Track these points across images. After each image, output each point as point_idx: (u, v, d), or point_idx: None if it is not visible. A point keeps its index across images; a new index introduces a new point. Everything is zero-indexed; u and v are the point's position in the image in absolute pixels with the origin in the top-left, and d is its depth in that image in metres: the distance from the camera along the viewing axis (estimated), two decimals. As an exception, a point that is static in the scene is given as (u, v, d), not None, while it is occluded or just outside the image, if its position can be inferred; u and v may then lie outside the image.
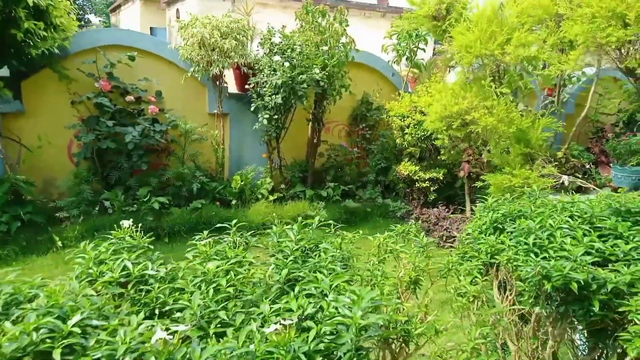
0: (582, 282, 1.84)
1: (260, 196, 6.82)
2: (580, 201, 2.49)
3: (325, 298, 1.64)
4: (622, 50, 3.89)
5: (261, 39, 6.52)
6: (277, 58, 6.04)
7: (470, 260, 2.41)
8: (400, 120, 6.86)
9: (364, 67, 8.00)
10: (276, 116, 6.35)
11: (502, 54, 5.19)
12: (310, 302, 1.62)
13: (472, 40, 5.30)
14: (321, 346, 1.39)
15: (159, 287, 1.84)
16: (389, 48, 7.92)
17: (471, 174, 6.46)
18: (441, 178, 6.77)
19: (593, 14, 3.84)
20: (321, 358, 1.37)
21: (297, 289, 1.76)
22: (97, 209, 5.87)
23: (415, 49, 7.79)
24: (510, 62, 5.20)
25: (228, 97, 6.99)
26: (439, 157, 6.81)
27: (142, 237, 2.29)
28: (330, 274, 1.84)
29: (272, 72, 6.14)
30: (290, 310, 1.59)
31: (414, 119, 6.71)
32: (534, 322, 2.33)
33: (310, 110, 7.17)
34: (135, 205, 5.85)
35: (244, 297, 1.84)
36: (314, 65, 6.32)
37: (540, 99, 7.79)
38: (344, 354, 1.41)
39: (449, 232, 6.08)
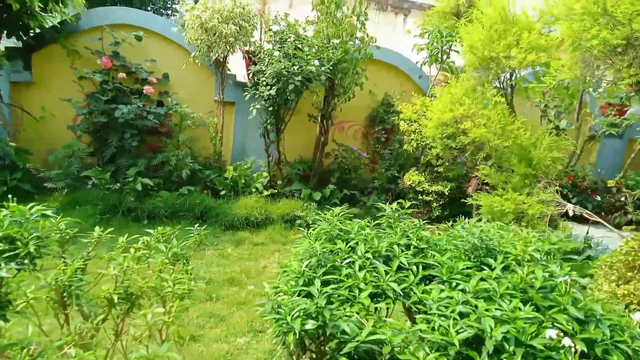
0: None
1: (254, 190, 6.58)
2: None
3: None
4: (615, 58, 3.06)
5: (267, 28, 6.27)
6: (268, 47, 5.74)
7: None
8: (408, 125, 6.27)
9: (386, 66, 7.46)
10: (271, 108, 6.06)
11: (507, 57, 4.50)
12: None
13: (476, 41, 4.66)
14: None
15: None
16: (421, 47, 7.31)
17: (480, 191, 5.76)
18: (447, 192, 6.09)
19: (583, 11, 3.08)
20: None
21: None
22: (90, 183, 5.96)
23: (447, 49, 7.11)
24: (516, 67, 4.50)
25: (235, 86, 6.82)
26: (450, 169, 6.14)
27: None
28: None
29: (270, 62, 5.86)
30: None
31: (420, 125, 6.09)
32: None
33: (319, 107, 6.79)
34: (118, 184, 5.85)
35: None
36: (316, 58, 5.94)
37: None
38: None
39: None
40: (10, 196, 2.19)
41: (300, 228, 6.40)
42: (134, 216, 5.77)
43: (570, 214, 4.54)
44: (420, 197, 6.31)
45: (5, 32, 5.63)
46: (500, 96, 4.86)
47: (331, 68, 6.13)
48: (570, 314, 1.53)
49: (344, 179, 7.11)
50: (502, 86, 4.92)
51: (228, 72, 6.69)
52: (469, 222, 5.32)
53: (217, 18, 6.02)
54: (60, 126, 6.29)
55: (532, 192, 4.53)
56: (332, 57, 6.05)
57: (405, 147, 6.42)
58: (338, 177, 7.07)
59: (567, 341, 1.41)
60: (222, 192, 6.39)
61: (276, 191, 6.57)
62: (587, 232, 5.16)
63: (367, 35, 6.39)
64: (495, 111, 4.60)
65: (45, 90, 6.19)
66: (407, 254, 2.01)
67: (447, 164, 5.69)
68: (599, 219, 4.40)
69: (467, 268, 1.86)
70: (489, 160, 5.15)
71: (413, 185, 6.29)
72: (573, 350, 1.40)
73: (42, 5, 5.16)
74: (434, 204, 6.19)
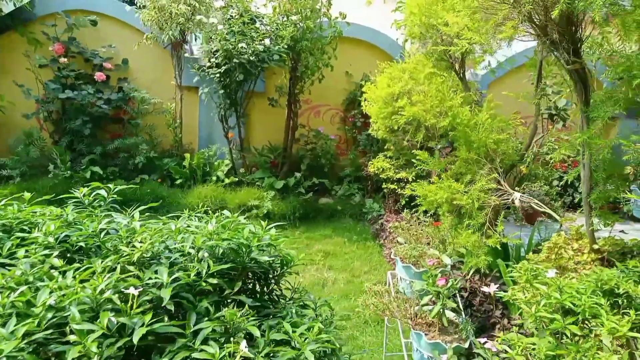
0: None
1: (215, 178, 6.30)
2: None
3: None
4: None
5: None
6: (213, 20, 5.38)
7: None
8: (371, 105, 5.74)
9: (361, 44, 6.91)
10: (222, 91, 5.73)
11: (444, 23, 3.90)
12: None
13: (414, 6, 4.10)
14: None
15: None
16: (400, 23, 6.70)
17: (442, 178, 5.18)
18: (411, 180, 5.53)
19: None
20: None
21: None
22: (50, 172, 5.92)
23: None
24: (453, 34, 3.90)
25: (200, 70, 6.53)
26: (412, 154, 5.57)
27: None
28: None
29: (216, 40, 5.50)
30: None
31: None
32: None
33: (285, 90, 6.39)
34: (69, 172, 5.75)
35: None
36: (267, 36, 5.52)
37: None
38: None
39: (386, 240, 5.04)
40: None
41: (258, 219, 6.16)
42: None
43: (517, 203, 3.91)
44: (385, 185, 5.79)
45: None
46: (448, 70, 4.27)
47: (286, 47, 5.69)
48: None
49: (314, 166, 6.68)
50: (450, 60, 4.32)
51: (191, 55, 6.43)
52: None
53: (167, -3, 5.76)
54: (21, 115, 6.29)
55: (474, 179, 3.94)
56: (286, 34, 5.61)
57: (370, 130, 5.90)
58: (308, 165, 6.65)
59: None
60: (178, 181, 6.16)
61: (237, 179, 6.26)
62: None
63: (327, 9, 5.89)
64: (433, 87, 4.02)
65: (5, 78, 6.19)
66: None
67: (397, 147, 5.14)
68: (549, 210, 3.75)
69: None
70: (438, 143, 4.59)
71: (377, 172, 5.78)
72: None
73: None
74: (398, 191, 5.66)
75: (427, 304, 3.03)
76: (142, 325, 1.00)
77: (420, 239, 3.88)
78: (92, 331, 0.97)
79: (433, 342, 2.62)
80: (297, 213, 5.98)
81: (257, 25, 5.73)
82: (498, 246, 3.55)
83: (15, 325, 0.97)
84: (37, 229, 1.40)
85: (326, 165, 6.66)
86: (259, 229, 1.53)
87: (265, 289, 1.63)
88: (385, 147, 5.24)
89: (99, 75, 5.97)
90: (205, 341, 1.05)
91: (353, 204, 6.40)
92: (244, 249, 1.34)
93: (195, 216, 1.63)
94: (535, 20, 2.36)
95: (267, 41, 5.47)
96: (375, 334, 3.77)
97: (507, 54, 6.25)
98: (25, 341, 0.95)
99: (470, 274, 4.00)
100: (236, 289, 1.24)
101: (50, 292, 1.06)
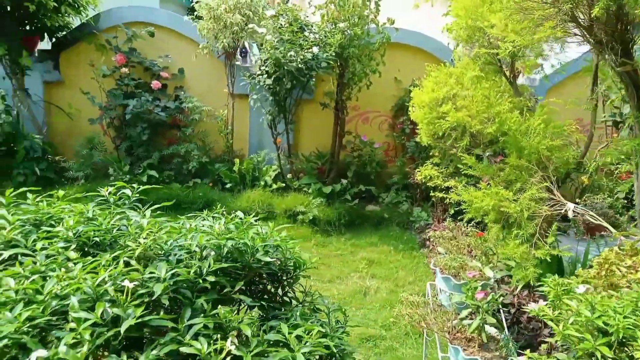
0: None
1: (263, 183, 6.43)
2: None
3: None
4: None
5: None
6: (261, 30, 5.51)
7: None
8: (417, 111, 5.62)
9: (412, 50, 6.79)
10: (271, 98, 5.85)
11: (491, 26, 3.76)
12: None
13: (460, 8, 3.98)
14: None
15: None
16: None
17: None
18: (460, 188, 5.34)
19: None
20: None
21: None
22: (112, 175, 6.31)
23: (484, 28, 6.26)
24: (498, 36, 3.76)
25: (250, 78, 6.71)
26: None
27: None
28: None
29: (266, 49, 5.63)
30: None
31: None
32: None
33: (333, 97, 6.42)
34: (128, 176, 6.09)
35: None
36: (315, 44, 5.58)
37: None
38: None
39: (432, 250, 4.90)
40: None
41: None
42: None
43: (570, 215, 3.68)
44: (432, 193, 5.65)
45: (44, 35, 6.25)
46: (497, 74, 4.09)
47: (334, 54, 5.72)
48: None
49: (361, 173, 6.64)
50: (499, 64, 4.14)
51: (244, 64, 6.64)
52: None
53: (224, 7, 5.98)
54: (88, 121, 6.76)
55: (525, 187, 3.75)
56: (334, 42, 5.64)
57: (419, 138, 5.79)
58: (355, 171, 6.62)
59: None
60: (229, 185, 6.34)
61: (284, 185, 6.34)
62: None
63: (375, 15, 5.86)
64: (479, 91, 3.87)
65: (73, 88, 6.68)
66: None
67: (445, 154, 4.98)
68: (604, 223, 3.49)
69: None
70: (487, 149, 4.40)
71: (425, 180, 5.64)
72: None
73: (56, 5, 5.55)
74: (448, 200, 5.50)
75: (466, 318, 2.90)
76: (134, 317, 1.03)
77: (462, 249, 3.73)
78: (89, 320, 1.01)
79: (471, 358, 2.50)
80: (342, 220, 5.95)
81: (306, 33, 5.81)
82: (548, 258, 3.33)
83: (20, 310, 1.03)
84: (61, 224, 1.49)
85: (373, 172, 6.59)
86: (267, 230, 1.53)
87: (279, 291, 1.63)
88: (430, 154, 5.10)
89: (155, 84, 6.30)
90: (196, 336, 1.07)
91: (400, 212, 6.28)
92: (248, 249, 1.35)
93: (212, 216, 1.66)
94: (579, 19, 2.21)
95: (315, 49, 5.53)
96: (416, 347, 3.66)
97: (565, 58, 5.91)
98: (27, 325, 1.01)
99: (518, 289, 3.78)
100: (237, 288, 1.25)
101: (57, 282, 1.13)
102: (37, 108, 6.53)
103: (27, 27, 6.08)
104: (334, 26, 5.88)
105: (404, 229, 6.13)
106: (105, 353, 1.03)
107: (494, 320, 2.78)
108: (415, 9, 5.88)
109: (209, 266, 1.23)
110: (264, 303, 1.45)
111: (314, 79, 6.04)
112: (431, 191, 6.18)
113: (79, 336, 1.00)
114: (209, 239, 1.33)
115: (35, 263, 1.24)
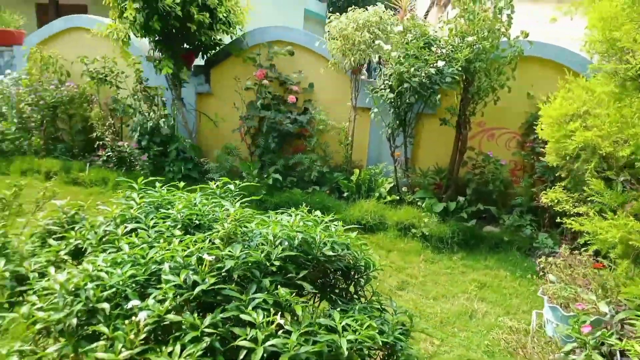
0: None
1: (378, 194, 6.54)
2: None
3: None
4: None
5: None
6: (387, 47, 5.63)
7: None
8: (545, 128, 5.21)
9: (548, 64, 6.30)
10: (391, 111, 5.94)
11: (634, 41, 3.44)
12: None
13: (597, 20, 3.70)
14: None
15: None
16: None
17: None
18: (592, 215, 4.82)
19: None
20: None
21: None
22: (246, 176, 7.03)
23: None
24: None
25: (373, 92, 6.91)
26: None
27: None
28: None
29: (390, 64, 5.77)
30: None
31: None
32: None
33: (455, 112, 6.28)
34: (257, 179, 6.70)
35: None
36: (441, 59, 5.54)
37: None
38: None
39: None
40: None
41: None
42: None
43: None
44: (560, 219, 5.18)
45: (198, 53, 7.27)
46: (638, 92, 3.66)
47: (460, 69, 5.61)
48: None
49: (481, 191, 6.34)
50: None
51: (369, 79, 6.87)
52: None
53: (352, 26, 6.29)
54: (229, 129, 7.61)
55: (664, 218, 3.34)
56: (460, 57, 5.54)
57: (546, 158, 5.37)
58: (474, 189, 6.36)
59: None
60: (345, 194, 6.58)
61: (398, 197, 6.36)
62: None
63: (506, 28, 5.60)
64: (613, 110, 3.53)
65: (220, 99, 7.59)
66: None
67: (572, 175, 4.53)
68: None
69: None
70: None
71: (551, 204, 5.22)
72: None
73: (211, 21, 6.42)
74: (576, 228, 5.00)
75: (570, 352, 2.69)
76: (208, 284, 1.25)
77: (577, 279, 3.43)
78: (173, 282, 1.26)
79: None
80: (456, 237, 5.77)
81: (433, 48, 5.80)
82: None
83: (127, 269, 1.33)
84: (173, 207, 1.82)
85: (495, 191, 6.26)
86: (338, 229, 1.66)
87: (351, 288, 1.74)
88: (557, 175, 4.73)
89: (291, 98, 6.85)
90: (256, 309, 1.24)
91: (523, 237, 5.86)
92: (315, 243, 1.49)
93: (294, 213, 1.85)
94: None
95: (440, 63, 5.50)
96: (517, 377, 3.43)
97: None
98: (130, 280, 1.29)
99: (646, 334, 3.32)
100: (300, 275, 1.40)
101: (158, 251, 1.41)
102: (189, 116, 7.58)
103: (186, 45, 7.12)
104: (462, 40, 5.78)
105: (525, 255, 5.71)
106: (186, 309, 1.27)
107: (601, 359, 2.52)
108: (552, 23, 5.50)
109: (277, 253, 1.40)
110: (332, 296, 1.58)
111: (438, 95, 6.00)
112: (559, 217, 5.69)
113: (164, 294, 1.25)
114: (283, 230, 1.51)
115: (148, 236, 1.56)
